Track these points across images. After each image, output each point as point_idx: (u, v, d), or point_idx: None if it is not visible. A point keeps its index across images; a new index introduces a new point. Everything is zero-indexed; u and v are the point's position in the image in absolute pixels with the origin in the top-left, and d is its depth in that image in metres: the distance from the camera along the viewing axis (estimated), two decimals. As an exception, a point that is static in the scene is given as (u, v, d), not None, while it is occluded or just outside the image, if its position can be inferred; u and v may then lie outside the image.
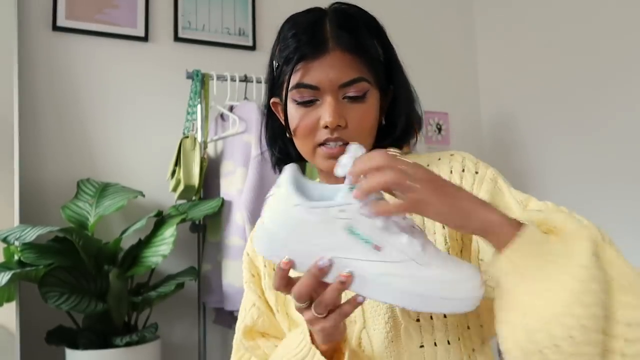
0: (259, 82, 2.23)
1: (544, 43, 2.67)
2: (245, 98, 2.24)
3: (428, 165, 0.82)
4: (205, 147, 2.13)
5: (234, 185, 2.05)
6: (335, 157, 0.75)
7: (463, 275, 0.60)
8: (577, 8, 2.50)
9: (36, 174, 2.14)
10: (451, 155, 0.83)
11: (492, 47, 3.04)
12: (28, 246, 1.79)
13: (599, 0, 2.40)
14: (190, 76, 2.18)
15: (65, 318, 1.90)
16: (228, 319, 2.20)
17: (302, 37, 0.76)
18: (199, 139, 2.12)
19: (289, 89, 0.77)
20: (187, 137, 2.10)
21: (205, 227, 2.19)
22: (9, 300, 1.87)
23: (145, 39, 2.38)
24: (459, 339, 0.77)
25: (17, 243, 1.79)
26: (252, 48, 2.58)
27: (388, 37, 0.82)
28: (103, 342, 1.83)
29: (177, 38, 2.44)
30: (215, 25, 2.52)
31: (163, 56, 2.41)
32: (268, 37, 2.62)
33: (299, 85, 0.76)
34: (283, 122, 0.84)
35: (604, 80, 2.38)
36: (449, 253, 0.74)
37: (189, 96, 2.21)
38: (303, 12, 0.82)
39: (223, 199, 2.06)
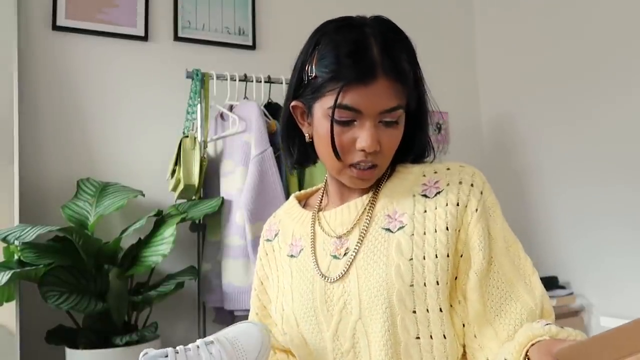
0: (258, 81, 2.23)
1: (545, 43, 2.67)
2: (245, 97, 2.24)
3: (435, 173, 0.86)
4: (205, 146, 2.13)
5: (234, 184, 2.05)
6: (364, 179, 0.83)
7: (251, 345, 0.78)
8: (578, 8, 2.50)
9: (36, 173, 2.14)
10: (461, 167, 0.86)
11: (492, 46, 3.04)
12: (28, 246, 1.79)
13: (601, 2, 2.40)
14: (190, 76, 2.18)
15: (65, 317, 1.90)
16: (228, 318, 2.20)
17: (349, 60, 0.76)
18: (199, 138, 2.12)
19: (330, 106, 0.78)
20: (187, 136, 2.10)
21: (205, 227, 2.19)
22: (9, 299, 1.86)
23: (145, 38, 2.38)
24: (454, 335, 0.79)
25: (17, 242, 1.79)
26: (252, 47, 2.57)
27: (417, 58, 0.84)
28: (103, 341, 1.83)
29: (177, 37, 2.44)
30: (215, 24, 2.52)
31: (163, 56, 2.41)
32: (268, 36, 2.62)
33: (342, 107, 0.77)
34: (301, 126, 0.87)
35: (604, 81, 2.38)
36: (436, 256, 0.79)
37: (188, 96, 2.21)
38: (342, 23, 0.82)
39: (223, 199, 2.06)
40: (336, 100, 0.77)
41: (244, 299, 1.96)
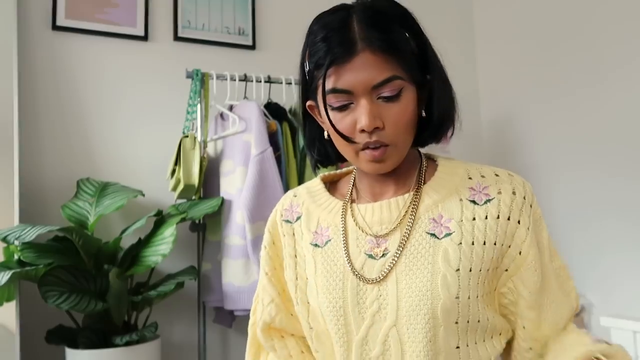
0: (258, 81, 2.23)
1: (544, 43, 2.67)
2: (245, 97, 2.24)
3: (483, 177, 0.85)
4: (205, 146, 2.13)
5: (234, 184, 2.05)
6: (378, 160, 0.78)
7: None
8: (577, 8, 2.50)
9: (36, 173, 2.14)
10: (510, 175, 0.87)
11: (492, 47, 3.04)
12: (28, 245, 1.79)
13: (601, 3, 2.40)
14: (190, 75, 2.18)
15: (65, 317, 1.90)
16: (228, 318, 2.20)
17: (331, 41, 0.75)
18: (199, 138, 2.12)
19: (324, 94, 0.76)
20: (187, 136, 2.10)
21: (205, 227, 2.19)
22: (9, 299, 1.87)
23: (145, 38, 2.38)
24: (491, 338, 0.82)
25: (17, 242, 1.79)
26: (252, 47, 2.57)
27: (421, 28, 0.81)
28: (103, 341, 1.83)
29: (176, 37, 2.44)
30: (215, 24, 2.52)
31: (163, 55, 2.41)
32: (268, 36, 2.62)
33: (331, 91, 0.75)
34: (322, 124, 0.85)
35: (603, 81, 2.38)
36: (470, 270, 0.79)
37: (188, 95, 2.21)
38: (330, 11, 0.80)
39: (223, 198, 2.06)
40: (323, 87, 0.75)
41: (244, 299, 1.96)
